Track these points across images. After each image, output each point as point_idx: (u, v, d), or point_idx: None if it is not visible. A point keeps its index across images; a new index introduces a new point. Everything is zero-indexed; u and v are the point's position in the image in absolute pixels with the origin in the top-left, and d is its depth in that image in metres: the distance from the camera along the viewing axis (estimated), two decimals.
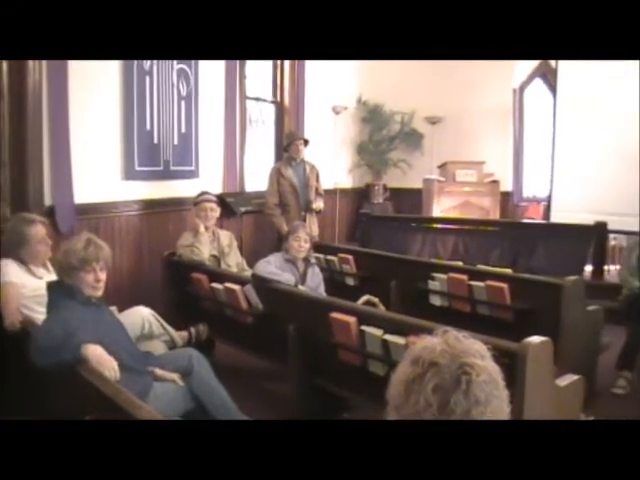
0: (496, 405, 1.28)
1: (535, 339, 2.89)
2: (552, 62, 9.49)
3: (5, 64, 5.06)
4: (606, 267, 7.45)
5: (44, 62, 5.18)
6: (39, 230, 4.04)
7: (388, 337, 3.40)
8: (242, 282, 4.74)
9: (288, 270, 4.87)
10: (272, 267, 4.73)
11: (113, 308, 3.96)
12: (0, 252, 3.96)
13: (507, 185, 9.84)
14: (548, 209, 9.10)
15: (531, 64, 10.11)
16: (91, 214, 5.68)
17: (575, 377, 3.16)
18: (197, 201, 5.62)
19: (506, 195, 9.76)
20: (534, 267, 7.02)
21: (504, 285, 4.65)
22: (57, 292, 3.25)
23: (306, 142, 6.90)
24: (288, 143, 6.88)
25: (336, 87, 9.72)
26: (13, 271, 3.88)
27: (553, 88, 9.41)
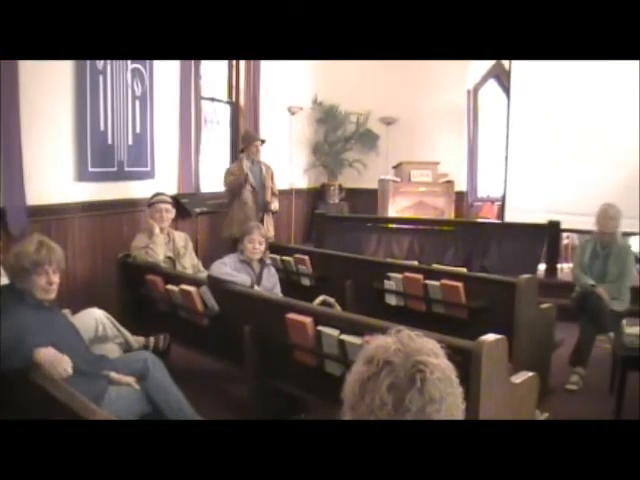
0: (451, 402, 1.29)
1: (490, 337, 2.92)
2: (505, 63, 9.60)
3: None
4: (559, 265, 7.57)
5: None
6: None
7: (344, 337, 3.41)
8: (198, 284, 4.71)
9: (243, 271, 4.86)
10: (227, 268, 4.71)
11: (66, 311, 3.92)
12: None
13: (462, 185, 9.96)
14: (502, 209, 9.19)
15: (485, 65, 10.24)
16: (43, 216, 5.59)
17: (529, 374, 3.19)
18: (151, 202, 5.57)
19: (461, 195, 9.87)
20: (488, 266, 7.12)
21: (459, 284, 4.69)
22: (8, 297, 3.19)
23: (263, 142, 6.90)
24: (246, 145, 6.85)
25: (292, 88, 9.73)
26: None
27: (507, 89, 9.51)
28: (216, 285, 4.56)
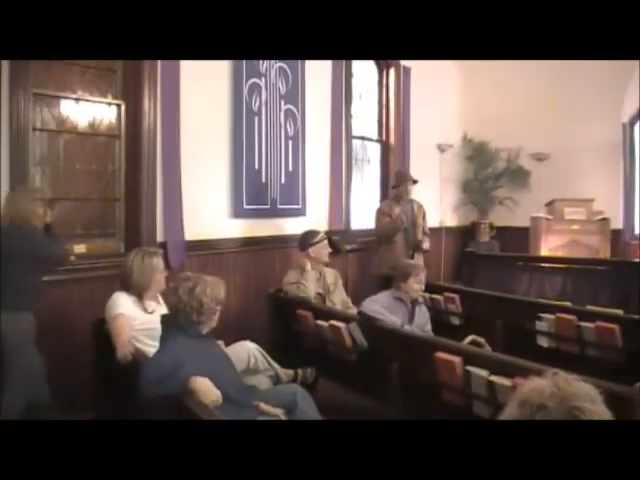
0: None
1: None
2: None
3: (122, 106, 5.32)
4: None
5: (159, 104, 5.42)
6: (161, 261, 4.24)
7: (494, 378, 3.36)
8: (347, 320, 4.75)
9: (397, 308, 4.91)
10: (378, 306, 4.74)
11: (220, 342, 4.05)
12: (118, 285, 4.15)
13: (618, 223, 9.53)
14: None
15: None
16: (200, 250, 5.84)
17: None
18: (318, 240, 5.69)
19: (617, 233, 9.44)
20: None
21: (615, 326, 4.51)
22: (169, 325, 3.35)
23: (415, 182, 6.90)
24: (398, 183, 6.88)
25: (441, 125, 9.74)
26: (125, 303, 4.03)
27: None
28: (366, 322, 4.60)
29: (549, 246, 8.87)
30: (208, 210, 5.99)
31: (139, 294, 4.12)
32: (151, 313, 4.07)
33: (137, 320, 3.99)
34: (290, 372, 4.71)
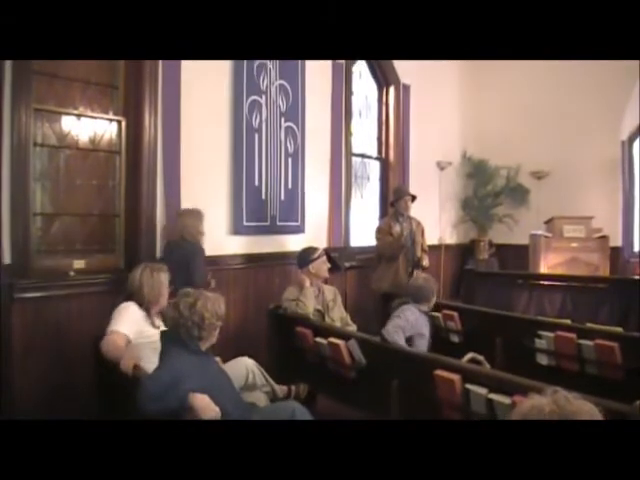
0: None
1: None
2: None
3: (123, 122, 5.33)
4: None
5: (159, 121, 5.44)
6: (167, 277, 4.27)
7: (493, 396, 3.35)
8: (346, 337, 4.74)
9: (424, 323, 5.11)
10: (402, 337, 4.73)
11: (217, 359, 4.05)
12: (124, 299, 4.16)
13: (617, 240, 9.53)
14: None
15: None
16: None
17: None
18: (317, 256, 5.65)
19: (616, 250, 9.44)
20: None
21: (614, 344, 4.50)
22: (169, 341, 3.35)
23: (413, 198, 6.90)
24: (396, 198, 6.89)
25: (441, 143, 9.77)
26: (132, 313, 4.04)
27: None
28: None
29: (548, 264, 8.87)
30: (208, 226, 5.95)
31: (147, 308, 4.12)
32: (157, 327, 4.06)
33: (144, 332, 3.99)
34: (284, 388, 4.71)
